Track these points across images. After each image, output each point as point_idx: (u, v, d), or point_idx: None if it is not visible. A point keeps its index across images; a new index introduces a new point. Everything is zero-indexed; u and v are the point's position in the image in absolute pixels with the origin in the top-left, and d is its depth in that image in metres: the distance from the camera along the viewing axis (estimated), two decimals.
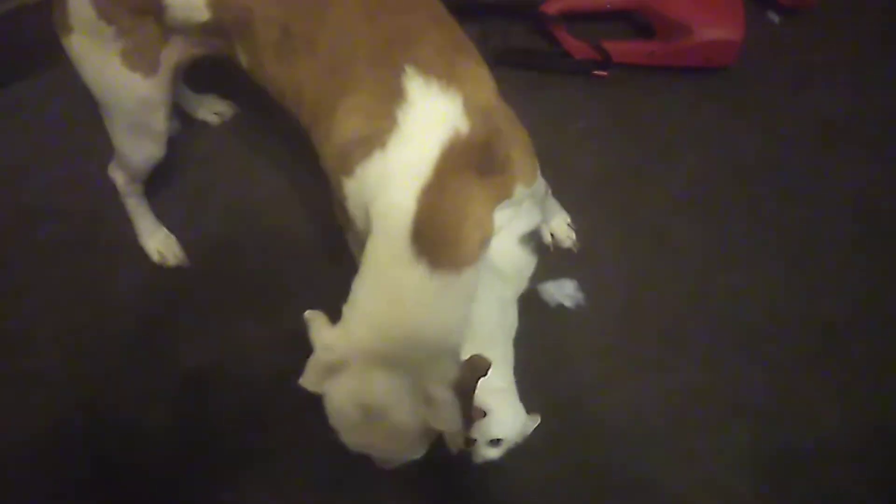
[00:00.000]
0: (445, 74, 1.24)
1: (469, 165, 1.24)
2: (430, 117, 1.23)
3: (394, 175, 1.22)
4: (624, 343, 1.82)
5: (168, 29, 1.43)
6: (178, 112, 2.04)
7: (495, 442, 1.55)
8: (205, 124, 2.12)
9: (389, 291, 1.24)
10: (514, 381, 1.66)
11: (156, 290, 1.89)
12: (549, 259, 1.89)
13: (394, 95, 1.23)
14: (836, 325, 1.86)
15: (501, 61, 2.10)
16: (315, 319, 1.27)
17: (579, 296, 1.86)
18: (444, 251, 1.23)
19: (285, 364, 1.73)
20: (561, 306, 1.85)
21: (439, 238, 1.23)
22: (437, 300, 1.25)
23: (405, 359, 1.23)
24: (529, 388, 1.66)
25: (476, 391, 1.30)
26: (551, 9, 2.18)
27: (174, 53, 1.49)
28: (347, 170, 1.27)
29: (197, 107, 2.10)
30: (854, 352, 1.82)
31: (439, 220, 1.22)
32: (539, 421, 1.62)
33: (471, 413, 1.31)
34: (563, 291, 1.86)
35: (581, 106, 2.15)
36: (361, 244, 1.32)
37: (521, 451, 1.61)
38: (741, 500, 1.66)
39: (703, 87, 2.17)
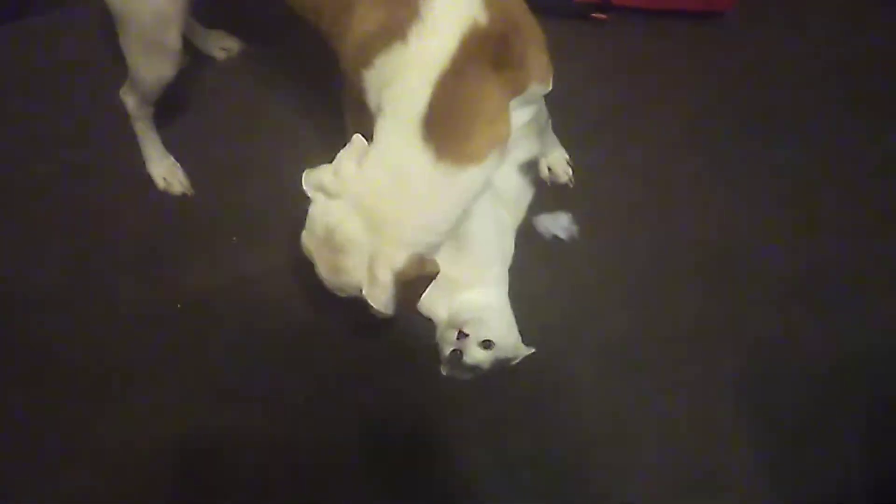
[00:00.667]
0: None
1: (486, 57, 1.28)
2: (450, 7, 1.27)
3: (411, 63, 1.27)
4: (615, 277, 1.86)
5: None
6: (188, 45, 2.07)
7: (486, 343, 1.60)
8: (212, 58, 2.15)
9: (392, 167, 1.30)
10: (508, 303, 1.71)
11: (159, 216, 1.93)
12: (546, 193, 1.93)
13: (415, 2, 1.26)
14: (828, 261, 1.91)
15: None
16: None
17: (573, 229, 1.90)
18: (453, 143, 1.28)
19: (284, 291, 1.84)
20: (556, 238, 1.89)
21: (450, 129, 1.28)
22: (431, 190, 1.30)
23: (379, 228, 1.31)
24: (521, 317, 1.70)
25: (433, 293, 1.43)
26: None
27: None
28: (367, 62, 1.31)
29: (205, 41, 2.13)
30: (843, 290, 1.89)
31: (452, 111, 1.27)
32: (533, 351, 1.67)
33: (410, 305, 1.44)
34: (558, 224, 1.90)
35: (581, 48, 2.17)
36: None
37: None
38: (722, 424, 1.73)
39: (701, 31, 2.20)
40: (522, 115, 1.42)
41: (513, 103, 1.36)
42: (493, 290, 1.70)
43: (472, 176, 1.31)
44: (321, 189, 1.36)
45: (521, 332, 1.69)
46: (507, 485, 1.65)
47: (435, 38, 1.26)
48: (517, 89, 1.35)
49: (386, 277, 1.33)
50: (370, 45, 1.30)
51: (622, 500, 1.65)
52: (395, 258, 1.32)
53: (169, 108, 1.95)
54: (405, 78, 1.27)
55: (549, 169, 1.95)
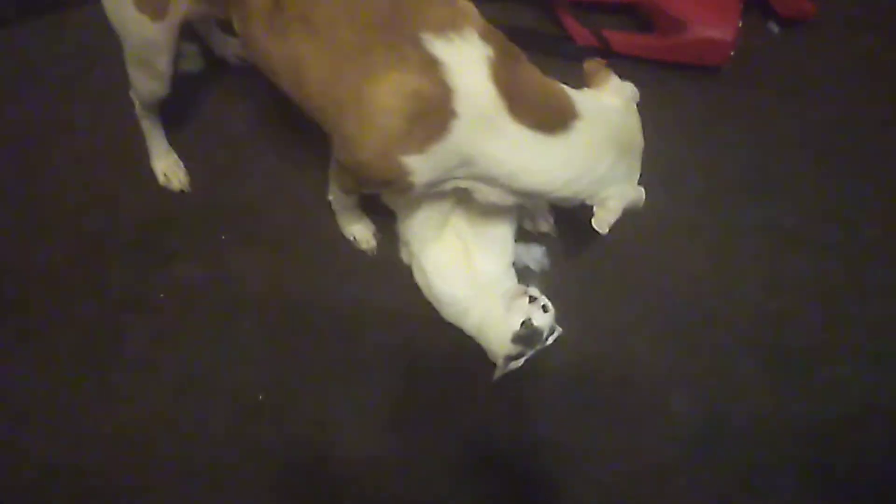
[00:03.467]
0: (452, 22, 1.39)
1: (511, 64, 1.43)
2: (470, 64, 1.38)
3: (481, 122, 1.41)
4: (575, 312, 1.90)
5: None
6: (203, 49, 2.20)
7: (545, 307, 1.76)
8: (226, 63, 2.24)
9: None
10: None
11: (156, 207, 2.03)
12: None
13: (431, 66, 1.36)
14: (781, 318, 1.98)
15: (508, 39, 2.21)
16: None
17: (545, 262, 1.99)
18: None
19: (266, 288, 1.93)
20: (527, 268, 1.97)
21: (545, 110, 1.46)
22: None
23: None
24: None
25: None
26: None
27: (182, 6, 1.60)
28: (411, 149, 1.42)
29: (223, 47, 2.22)
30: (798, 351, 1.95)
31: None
32: (562, 331, 1.80)
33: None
34: (531, 255, 1.99)
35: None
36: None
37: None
38: (665, 466, 1.80)
39: (696, 84, 2.27)
40: None
41: None
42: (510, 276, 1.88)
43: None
44: None
45: None
46: None
47: (477, 94, 1.39)
48: None
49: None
50: (408, 132, 1.40)
51: None
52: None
53: (180, 107, 2.07)
54: (492, 137, 1.43)
55: (531, 218, 2.00)
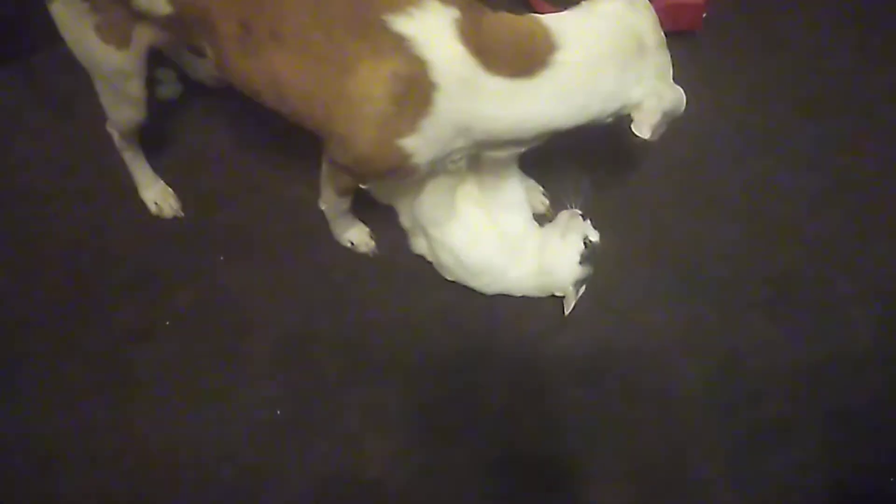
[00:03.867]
0: None
1: (478, 19, 1.41)
2: (436, 32, 1.37)
3: (462, 86, 1.39)
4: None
5: (137, 14, 1.53)
6: (181, 74, 2.19)
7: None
8: (204, 86, 2.22)
9: None
10: None
11: (151, 237, 2.02)
12: None
13: (400, 45, 1.36)
14: (789, 274, 1.98)
15: None
16: None
17: None
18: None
19: (265, 305, 1.93)
20: None
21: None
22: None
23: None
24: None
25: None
26: None
27: (146, 34, 1.60)
28: (404, 130, 1.42)
29: (196, 70, 2.20)
30: (805, 300, 1.96)
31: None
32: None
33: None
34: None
35: None
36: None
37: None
38: (687, 433, 1.81)
39: (676, 50, 2.25)
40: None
41: None
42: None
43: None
44: None
45: None
46: None
47: (452, 58, 1.38)
48: None
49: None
50: (398, 114, 1.40)
51: None
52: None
53: (162, 134, 2.07)
54: (480, 99, 1.41)
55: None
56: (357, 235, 1.98)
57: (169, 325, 1.91)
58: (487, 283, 1.88)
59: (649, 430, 1.81)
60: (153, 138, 1.99)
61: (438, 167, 1.58)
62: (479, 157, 1.64)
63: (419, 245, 1.95)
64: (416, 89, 1.38)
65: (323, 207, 1.89)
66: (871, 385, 1.86)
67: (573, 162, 2.08)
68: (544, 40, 1.43)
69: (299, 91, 1.46)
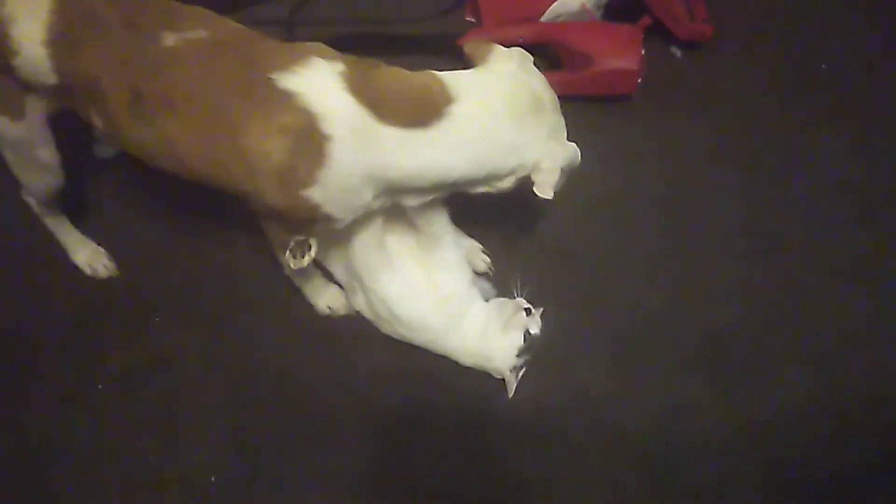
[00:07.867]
0: (295, 58, 1.41)
1: (368, 72, 1.44)
2: (322, 86, 1.40)
3: (356, 136, 1.41)
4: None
5: (26, 85, 1.53)
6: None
7: (528, 310, 1.83)
8: None
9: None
10: None
11: (85, 298, 1.98)
12: None
13: (287, 101, 1.38)
14: (724, 333, 2.01)
15: None
16: None
17: (493, 293, 1.97)
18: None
19: (203, 369, 1.90)
20: None
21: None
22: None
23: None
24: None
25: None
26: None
27: (39, 104, 1.58)
28: (306, 181, 1.43)
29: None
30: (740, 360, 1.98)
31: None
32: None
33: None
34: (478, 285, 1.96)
35: None
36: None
37: None
38: (628, 492, 1.80)
39: (609, 114, 2.32)
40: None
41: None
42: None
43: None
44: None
45: None
46: None
47: (343, 109, 1.40)
48: None
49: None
50: (295, 167, 1.41)
51: None
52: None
53: (98, 191, 2.04)
54: (379, 146, 1.43)
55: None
56: (333, 299, 1.95)
57: (101, 388, 1.86)
58: (429, 340, 1.87)
59: (590, 488, 1.81)
60: (88, 197, 1.96)
61: (360, 215, 1.58)
62: (406, 211, 1.65)
63: (357, 301, 1.92)
64: (308, 141, 1.40)
65: (287, 272, 1.84)
66: (807, 443, 1.88)
67: (510, 222, 2.11)
68: (440, 93, 1.45)
69: (197, 154, 1.47)
